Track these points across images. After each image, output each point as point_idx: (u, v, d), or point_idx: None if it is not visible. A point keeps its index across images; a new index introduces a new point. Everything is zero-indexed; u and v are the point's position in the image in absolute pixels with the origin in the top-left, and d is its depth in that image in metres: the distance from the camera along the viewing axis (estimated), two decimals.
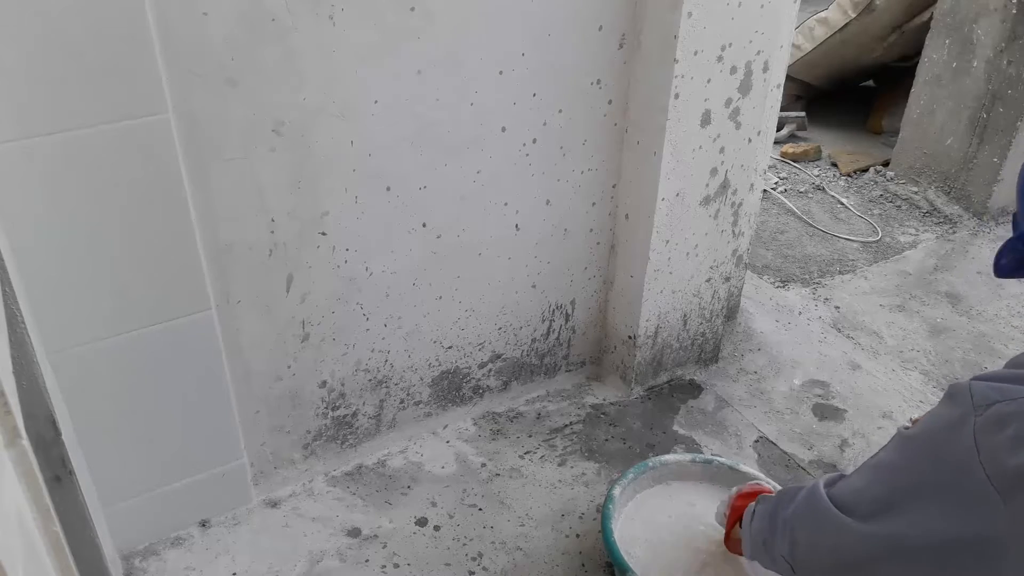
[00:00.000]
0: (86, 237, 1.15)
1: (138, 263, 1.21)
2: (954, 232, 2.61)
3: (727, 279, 1.84)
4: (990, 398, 0.84)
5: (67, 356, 1.21)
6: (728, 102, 1.57)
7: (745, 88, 1.57)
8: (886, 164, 2.98)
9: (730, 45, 1.50)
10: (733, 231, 1.77)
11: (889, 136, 3.14)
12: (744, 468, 1.48)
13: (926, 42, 2.71)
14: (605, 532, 1.35)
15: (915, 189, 2.82)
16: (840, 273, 2.40)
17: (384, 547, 1.46)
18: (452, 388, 1.72)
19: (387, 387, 1.63)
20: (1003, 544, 0.82)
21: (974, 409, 0.84)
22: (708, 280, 1.81)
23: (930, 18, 2.71)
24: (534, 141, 1.53)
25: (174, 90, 1.15)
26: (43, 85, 1.04)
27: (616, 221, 1.73)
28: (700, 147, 1.59)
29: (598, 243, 1.74)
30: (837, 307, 2.23)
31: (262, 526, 1.50)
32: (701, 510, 1.44)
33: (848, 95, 3.51)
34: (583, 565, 1.45)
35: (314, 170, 1.33)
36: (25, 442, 0.64)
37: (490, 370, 1.76)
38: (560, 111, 1.52)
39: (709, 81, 1.52)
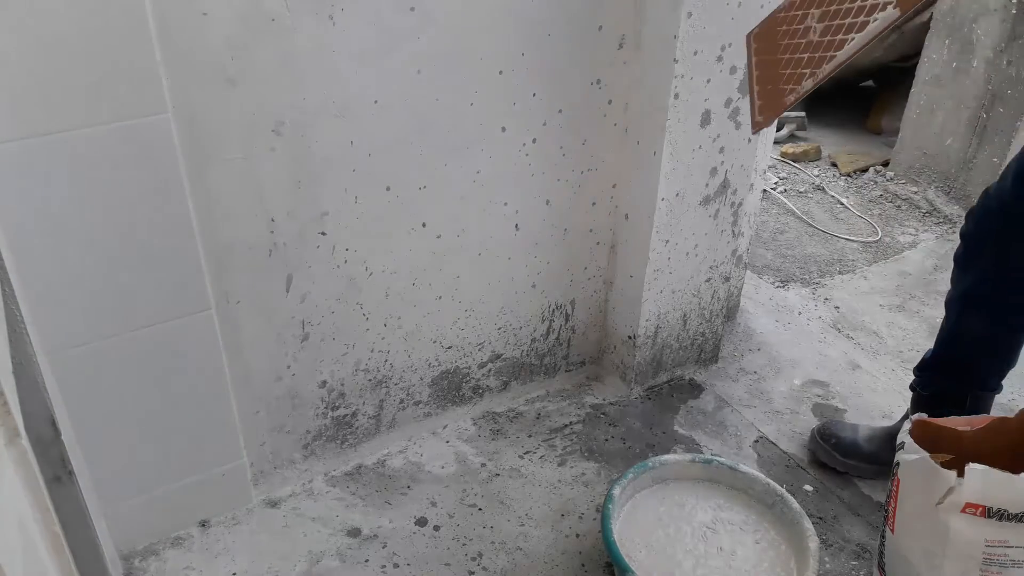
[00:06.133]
0: (86, 237, 1.15)
1: (138, 263, 1.20)
2: (954, 232, 2.61)
3: (727, 279, 1.84)
4: None
5: (67, 356, 1.21)
6: (728, 102, 1.57)
7: (745, 88, 1.57)
8: (886, 164, 2.98)
9: (730, 45, 1.50)
10: (733, 231, 1.77)
11: (889, 136, 3.14)
12: (744, 468, 1.48)
13: (926, 42, 2.71)
14: (605, 532, 1.35)
15: (915, 189, 2.82)
16: (840, 273, 2.40)
17: (384, 547, 1.46)
18: (452, 388, 1.72)
19: (387, 387, 1.63)
20: None
21: None
22: (708, 280, 1.81)
23: (930, 18, 2.71)
24: (534, 141, 1.53)
25: (174, 90, 1.15)
26: (43, 85, 1.04)
27: (616, 221, 1.73)
28: (700, 147, 1.59)
29: (598, 243, 1.75)
30: (837, 307, 2.23)
31: (262, 526, 1.50)
32: (690, 511, 1.44)
33: (848, 95, 3.51)
34: (583, 565, 1.45)
35: (314, 170, 1.33)
36: (25, 442, 0.64)
37: (490, 370, 1.76)
38: (560, 111, 1.52)
39: (709, 81, 1.52)
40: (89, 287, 1.19)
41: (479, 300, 1.65)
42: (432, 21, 1.31)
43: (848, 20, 1.07)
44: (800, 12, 1.16)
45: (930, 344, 1.61)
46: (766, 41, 1.18)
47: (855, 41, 1.05)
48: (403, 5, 1.28)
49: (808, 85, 1.06)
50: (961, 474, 1.15)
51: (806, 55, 1.09)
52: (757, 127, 1.13)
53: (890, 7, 1.04)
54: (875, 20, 1.05)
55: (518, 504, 1.56)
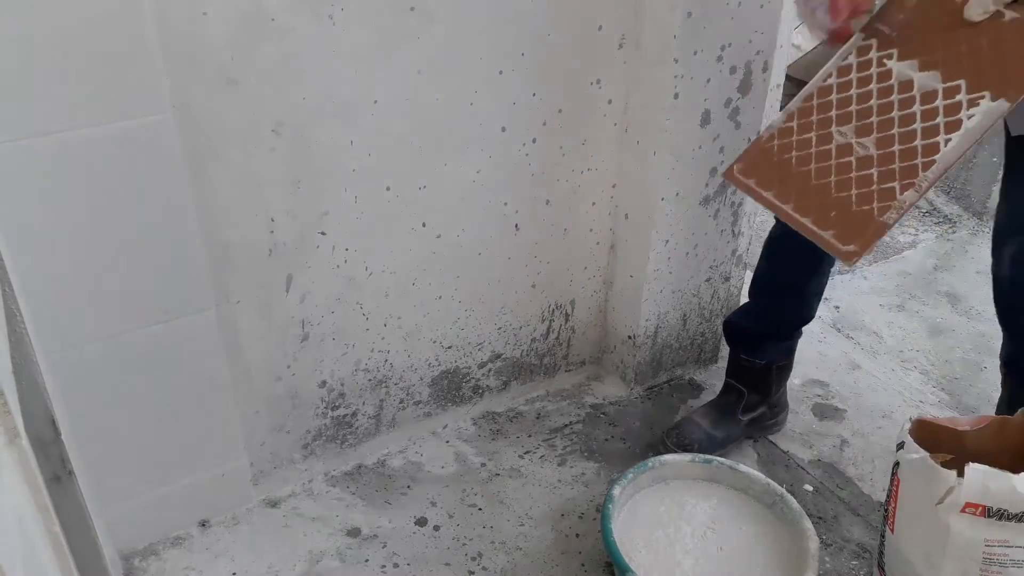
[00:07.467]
0: (86, 237, 1.15)
1: (138, 263, 1.21)
2: (953, 232, 2.61)
3: (727, 279, 1.84)
4: None
5: (67, 356, 1.21)
6: (728, 102, 1.57)
7: (745, 88, 1.57)
8: None
9: (730, 45, 1.50)
10: (732, 231, 1.77)
11: None
12: (744, 468, 1.48)
13: None
14: (605, 532, 1.35)
15: None
16: (839, 273, 2.40)
17: (384, 547, 1.46)
18: (452, 388, 1.72)
19: (387, 387, 1.63)
20: None
21: None
22: (708, 280, 1.81)
23: None
24: (534, 141, 1.53)
25: (174, 90, 1.15)
26: (42, 85, 1.04)
27: (616, 221, 1.73)
28: (700, 147, 1.59)
29: (598, 243, 1.74)
30: (837, 307, 2.23)
31: (262, 526, 1.50)
32: (689, 510, 1.44)
33: None
34: (583, 565, 1.45)
35: (314, 170, 1.33)
36: (24, 442, 0.64)
37: (490, 370, 1.76)
38: (560, 111, 1.52)
39: (709, 81, 1.52)
40: (89, 287, 1.19)
41: (479, 300, 1.65)
42: (432, 21, 1.31)
43: (919, 124, 1.01)
44: (801, 136, 1.09)
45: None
46: (767, 171, 1.12)
47: (956, 142, 0.98)
48: (403, 5, 1.28)
49: (911, 196, 1.00)
50: (961, 474, 1.15)
51: (874, 169, 1.03)
52: (853, 257, 1.03)
53: (985, 100, 0.97)
54: (972, 116, 0.97)
55: (518, 504, 1.56)
